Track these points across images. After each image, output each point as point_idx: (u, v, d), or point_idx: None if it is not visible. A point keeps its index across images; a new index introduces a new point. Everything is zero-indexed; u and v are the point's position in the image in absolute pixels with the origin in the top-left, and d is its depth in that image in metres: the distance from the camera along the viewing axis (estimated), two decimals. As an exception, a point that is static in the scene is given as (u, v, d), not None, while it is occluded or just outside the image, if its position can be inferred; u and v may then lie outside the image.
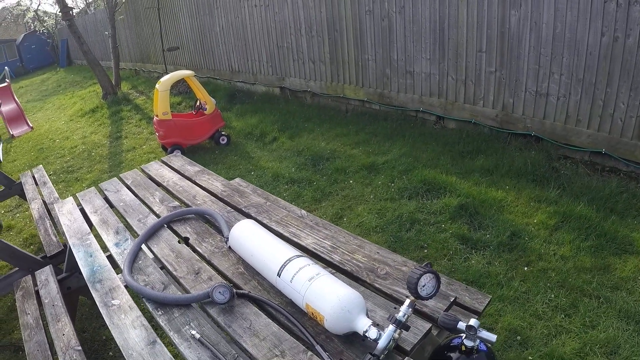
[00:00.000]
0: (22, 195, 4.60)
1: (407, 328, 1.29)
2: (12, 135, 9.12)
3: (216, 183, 2.74)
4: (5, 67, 12.56)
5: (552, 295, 2.61)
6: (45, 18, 21.86)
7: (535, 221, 3.28)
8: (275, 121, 6.33)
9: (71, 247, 2.31)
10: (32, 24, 22.56)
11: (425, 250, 3.18)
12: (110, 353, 2.75)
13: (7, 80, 11.34)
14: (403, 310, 1.29)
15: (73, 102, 10.80)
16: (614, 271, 2.74)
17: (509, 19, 4.07)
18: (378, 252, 1.83)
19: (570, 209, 3.29)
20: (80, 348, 2.04)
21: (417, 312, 1.48)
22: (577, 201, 3.39)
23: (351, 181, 4.34)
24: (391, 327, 1.28)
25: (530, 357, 2.27)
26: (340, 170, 4.55)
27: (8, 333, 3.34)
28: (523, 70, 4.10)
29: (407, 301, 1.31)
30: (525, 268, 2.85)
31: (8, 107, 10.09)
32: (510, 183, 3.80)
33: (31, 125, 9.57)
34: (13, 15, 23.07)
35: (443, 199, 3.68)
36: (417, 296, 1.29)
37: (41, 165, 4.93)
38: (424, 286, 1.30)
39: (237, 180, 2.78)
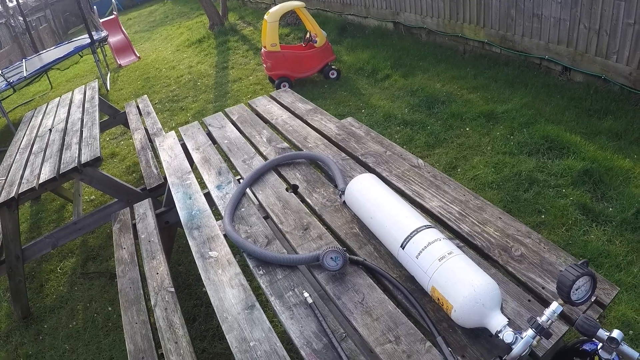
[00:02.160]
0: (127, 124, 4.66)
1: (548, 336, 1.06)
2: (120, 64, 9.59)
3: (330, 125, 2.51)
4: (113, 0, 13.03)
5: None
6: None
7: (664, 200, 2.83)
8: (387, 57, 5.97)
9: (170, 186, 2.22)
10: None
11: (543, 216, 2.90)
12: (204, 289, 2.74)
13: (115, 13, 11.85)
14: (548, 315, 1.06)
15: (180, 32, 10.98)
16: None
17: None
18: (500, 218, 1.59)
19: None
20: (173, 290, 1.99)
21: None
22: None
23: (467, 128, 4.02)
24: (530, 333, 1.06)
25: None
26: (456, 116, 4.23)
27: (105, 260, 3.53)
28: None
29: (555, 305, 1.07)
30: (648, 253, 2.49)
31: (116, 38, 10.66)
32: (639, 152, 3.31)
33: (138, 55, 9.98)
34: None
35: (566, 160, 3.30)
36: (568, 300, 1.07)
37: (146, 95, 4.99)
38: (577, 289, 1.07)
39: (349, 119, 2.57)
